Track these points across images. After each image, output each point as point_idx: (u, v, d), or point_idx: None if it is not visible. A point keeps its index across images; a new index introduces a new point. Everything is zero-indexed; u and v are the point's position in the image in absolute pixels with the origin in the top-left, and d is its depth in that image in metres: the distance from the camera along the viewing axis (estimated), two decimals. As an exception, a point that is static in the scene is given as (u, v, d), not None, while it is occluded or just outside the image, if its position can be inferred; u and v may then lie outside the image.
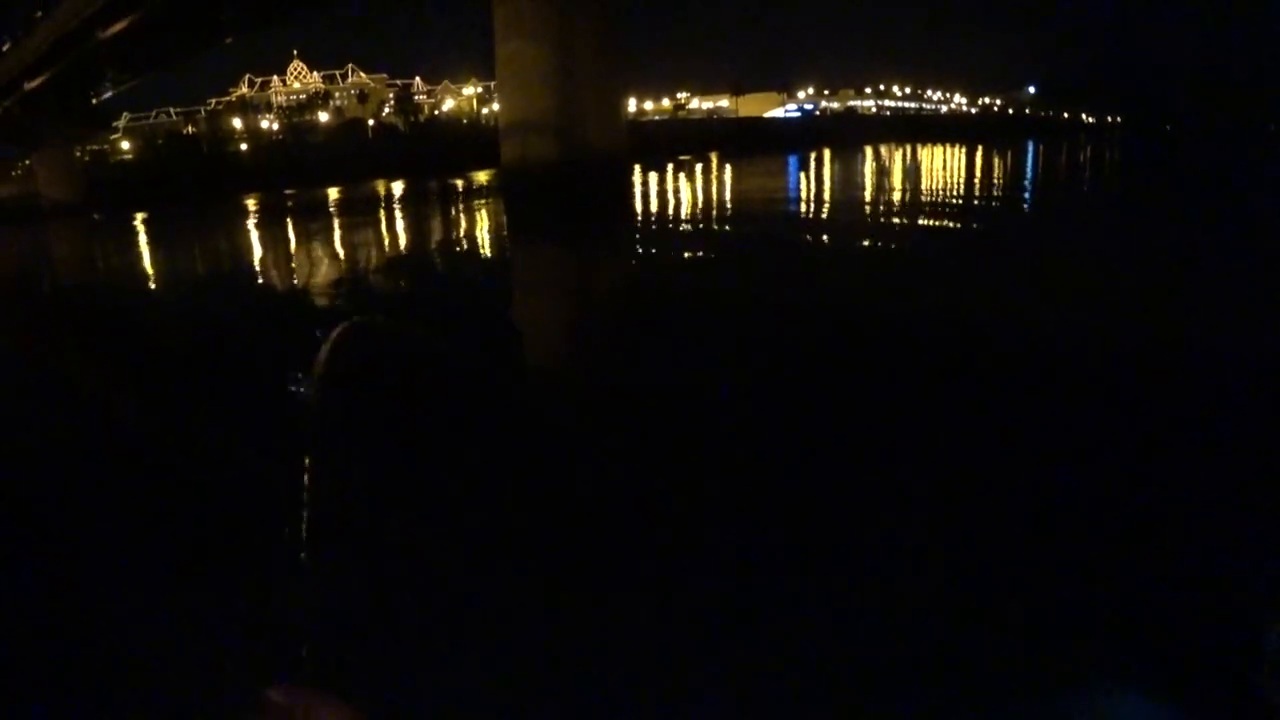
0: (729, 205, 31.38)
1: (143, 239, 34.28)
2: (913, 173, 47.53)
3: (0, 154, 63.41)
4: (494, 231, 27.98)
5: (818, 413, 7.64)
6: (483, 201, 40.21)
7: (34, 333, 15.96)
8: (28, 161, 61.81)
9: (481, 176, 55.25)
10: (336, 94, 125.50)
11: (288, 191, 50.85)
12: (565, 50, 31.63)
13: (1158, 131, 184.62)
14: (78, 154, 66.77)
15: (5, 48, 52.80)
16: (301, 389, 2.18)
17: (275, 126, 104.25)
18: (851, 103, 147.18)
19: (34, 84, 50.77)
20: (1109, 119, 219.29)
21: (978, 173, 45.78)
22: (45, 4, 46.12)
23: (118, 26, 41.27)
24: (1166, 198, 31.58)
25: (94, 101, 62.98)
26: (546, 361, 10.90)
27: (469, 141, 73.99)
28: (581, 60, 31.84)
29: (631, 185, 37.68)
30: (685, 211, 29.51)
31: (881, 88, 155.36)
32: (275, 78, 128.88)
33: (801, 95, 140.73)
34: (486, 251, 23.07)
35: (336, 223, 33.69)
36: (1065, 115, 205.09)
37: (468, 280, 18.34)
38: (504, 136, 34.25)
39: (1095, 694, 3.76)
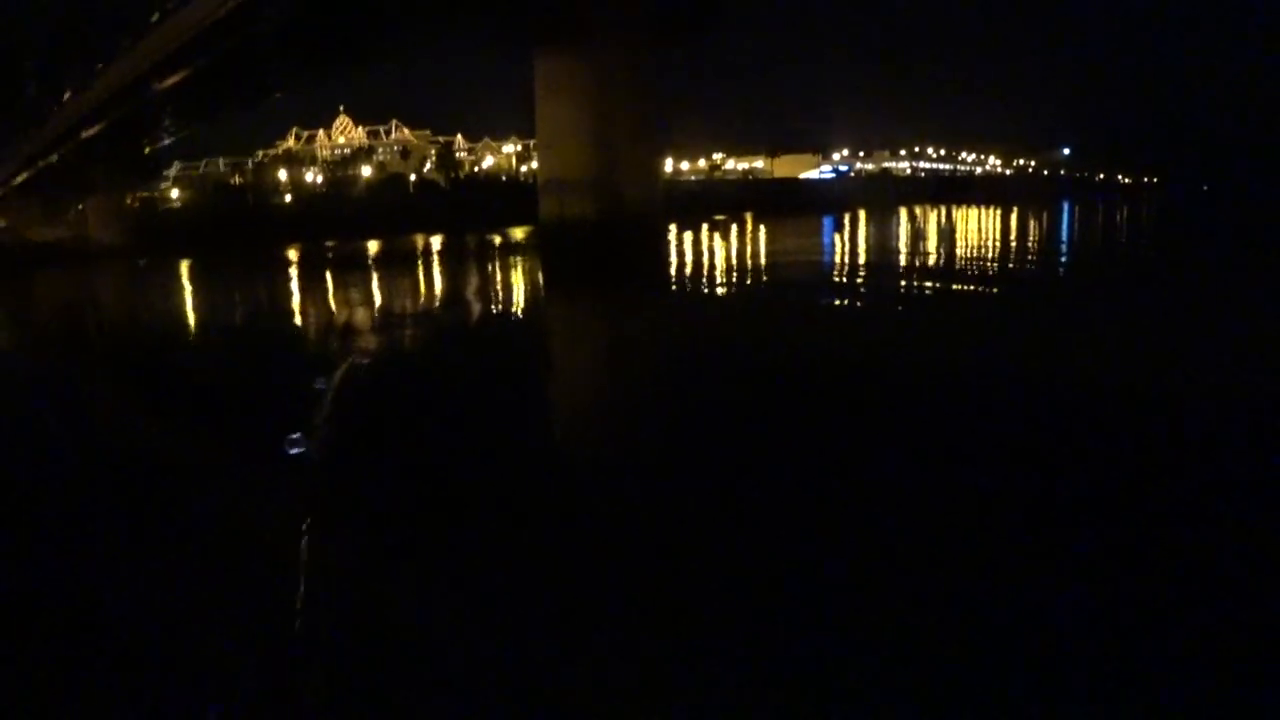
0: (761, 268, 31.57)
1: (183, 282, 35.15)
2: (946, 236, 47.55)
3: (56, 197, 65.23)
4: (529, 287, 28.38)
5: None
6: (519, 258, 40.80)
7: (61, 362, 16.57)
8: (81, 206, 63.66)
9: (518, 233, 56.04)
10: (380, 149, 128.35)
11: (328, 243, 51.84)
12: (602, 110, 32.15)
13: (1195, 191, 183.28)
14: (128, 200, 68.68)
15: (66, 97, 54.79)
16: (298, 449, 2.22)
17: (319, 179, 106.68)
18: (886, 164, 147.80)
19: (90, 132, 52.46)
20: (1145, 179, 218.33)
21: (1013, 236, 45.66)
22: (106, 56, 47.92)
23: (171, 80, 42.66)
24: (1197, 261, 31.37)
25: (146, 150, 64.94)
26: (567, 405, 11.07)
27: (507, 198, 75.15)
28: (618, 120, 32.33)
29: (667, 244, 37.97)
30: (719, 273, 29.73)
31: (916, 149, 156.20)
32: (321, 131, 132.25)
33: (836, 156, 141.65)
34: (519, 307, 23.35)
35: (375, 274, 34.33)
36: (1101, 176, 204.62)
37: (494, 335, 18.51)
38: (542, 193, 34.76)
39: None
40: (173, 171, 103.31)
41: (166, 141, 65.70)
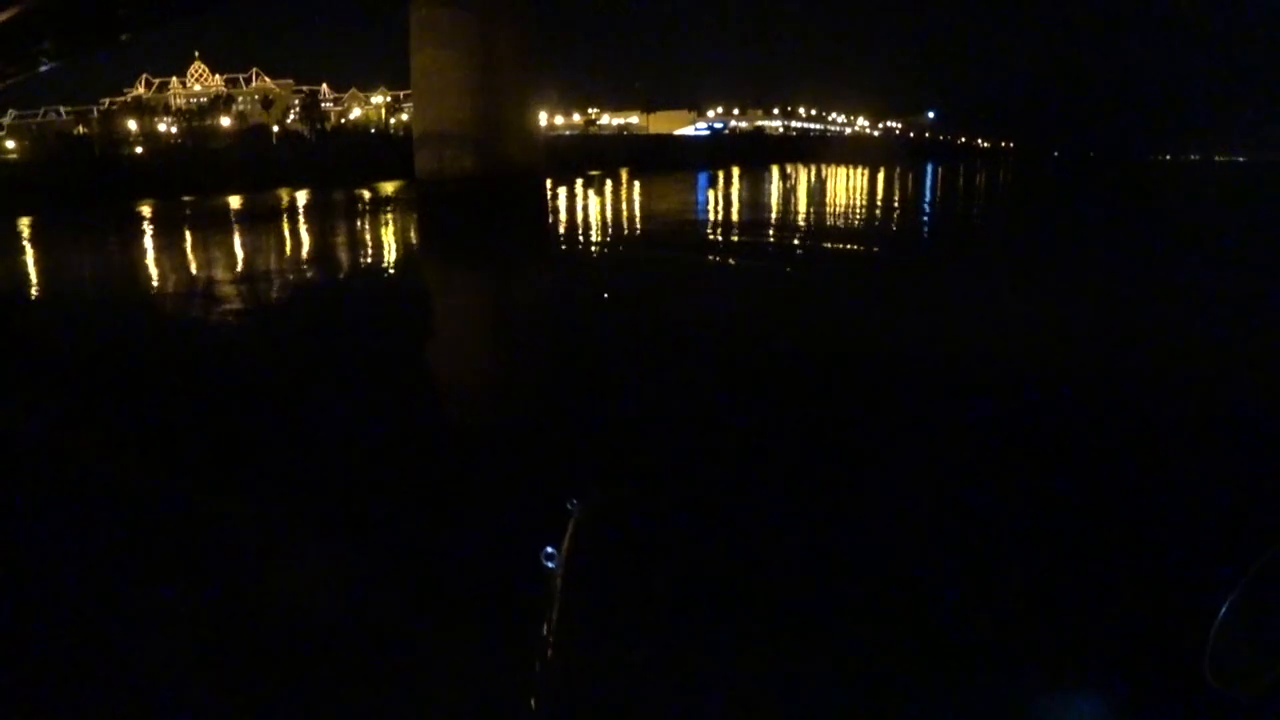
0: (638, 223, 31.77)
1: (21, 243, 32.78)
2: (817, 193, 48.85)
3: None
4: (405, 246, 27.69)
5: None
6: (392, 214, 39.66)
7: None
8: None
9: (388, 188, 54.37)
10: (239, 98, 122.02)
11: (186, 198, 49.09)
12: (485, 61, 31.13)
13: (1046, 157, 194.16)
14: (-45, 152, 63.34)
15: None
16: (551, 564, 2.19)
17: (174, 130, 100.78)
18: (760, 122, 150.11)
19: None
20: (1002, 144, 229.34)
21: (879, 194, 47.28)
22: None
23: (2, 17, 39.40)
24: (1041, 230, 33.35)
25: (-26, 97, 60.01)
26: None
27: (377, 151, 72.81)
28: (501, 72, 31.43)
29: (547, 200, 37.57)
30: (599, 231, 29.77)
31: (789, 109, 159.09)
32: (174, 79, 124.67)
33: (711, 114, 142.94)
34: (395, 269, 22.86)
35: (237, 232, 32.83)
36: (962, 139, 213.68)
37: (371, 300, 18.14)
38: (418, 147, 33.75)
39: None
40: (7, 120, 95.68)
41: (1, 87, 60.79)
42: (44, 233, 35.42)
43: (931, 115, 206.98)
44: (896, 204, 42.83)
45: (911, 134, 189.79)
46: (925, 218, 36.10)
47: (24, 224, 37.63)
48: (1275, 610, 1.46)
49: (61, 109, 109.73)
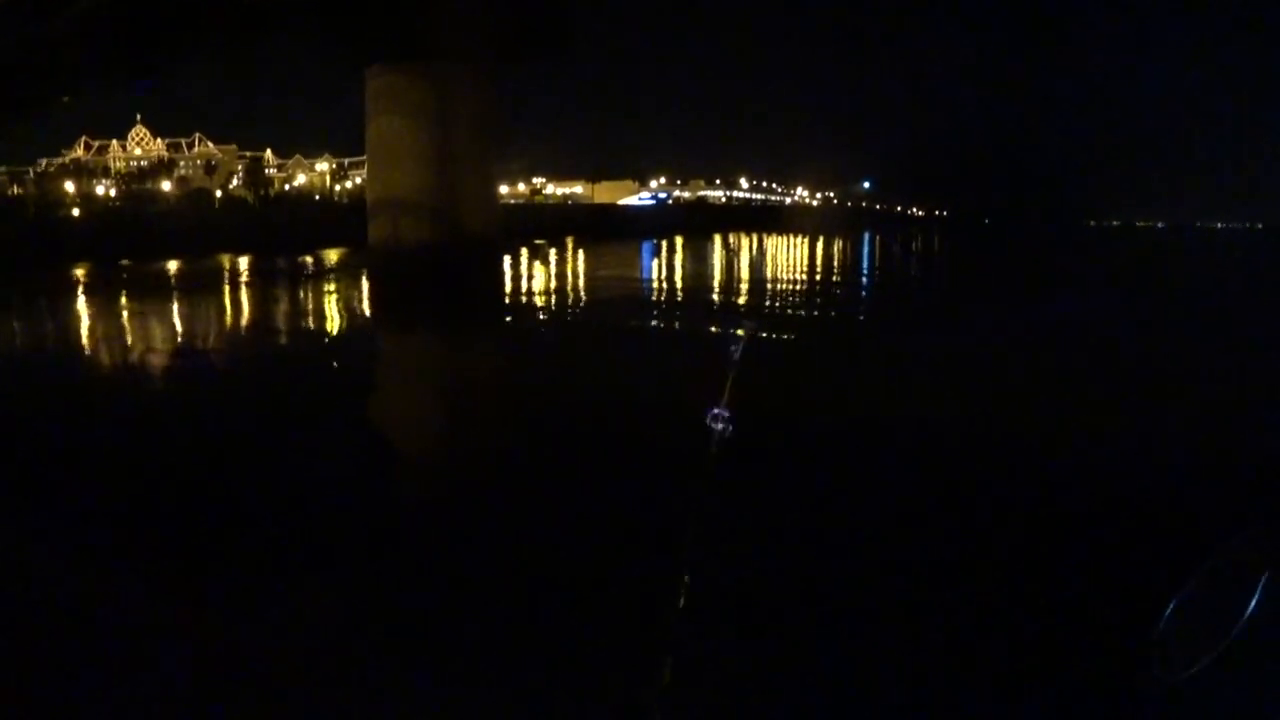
0: (582, 291, 32.21)
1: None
2: (758, 263, 50.00)
3: None
4: (355, 316, 27.52)
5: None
6: (337, 283, 39.50)
7: None
8: None
9: (333, 255, 54.32)
10: (182, 163, 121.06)
11: (123, 262, 48.40)
12: (444, 128, 30.93)
13: (978, 224, 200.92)
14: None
15: None
16: (719, 425, 2.09)
17: (113, 193, 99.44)
18: (702, 192, 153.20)
19: None
20: (936, 211, 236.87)
21: (818, 263, 48.59)
22: None
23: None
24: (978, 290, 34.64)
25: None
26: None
27: (320, 218, 72.76)
28: (460, 141, 31.18)
29: (502, 271, 37.55)
30: (556, 299, 30.12)
31: (730, 179, 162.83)
32: (115, 141, 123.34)
33: (654, 184, 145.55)
34: (345, 339, 22.75)
35: (175, 298, 32.41)
36: (898, 208, 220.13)
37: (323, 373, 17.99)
38: (372, 214, 33.25)
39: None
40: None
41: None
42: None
43: (867, 185, 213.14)
44: (823, 270, 43.96)
45: (849, 202, 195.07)
46: (855, 283, 37.18)
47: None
48: (1217, 605, 1.64)
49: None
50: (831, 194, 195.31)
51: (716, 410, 2.12)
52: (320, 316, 27.61)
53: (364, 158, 41.73)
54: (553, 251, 59.03)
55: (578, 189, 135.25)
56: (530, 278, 39.71)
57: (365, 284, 35.52)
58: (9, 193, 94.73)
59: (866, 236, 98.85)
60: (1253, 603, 1.59)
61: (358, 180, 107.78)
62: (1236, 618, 1.61)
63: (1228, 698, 1.63)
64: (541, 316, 25.94)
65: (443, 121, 31.20)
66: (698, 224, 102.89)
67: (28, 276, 40.08)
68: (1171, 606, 1.77)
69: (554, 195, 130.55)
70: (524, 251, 55.62)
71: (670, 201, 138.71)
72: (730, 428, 2.09)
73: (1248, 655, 1.57)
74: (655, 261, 51.49)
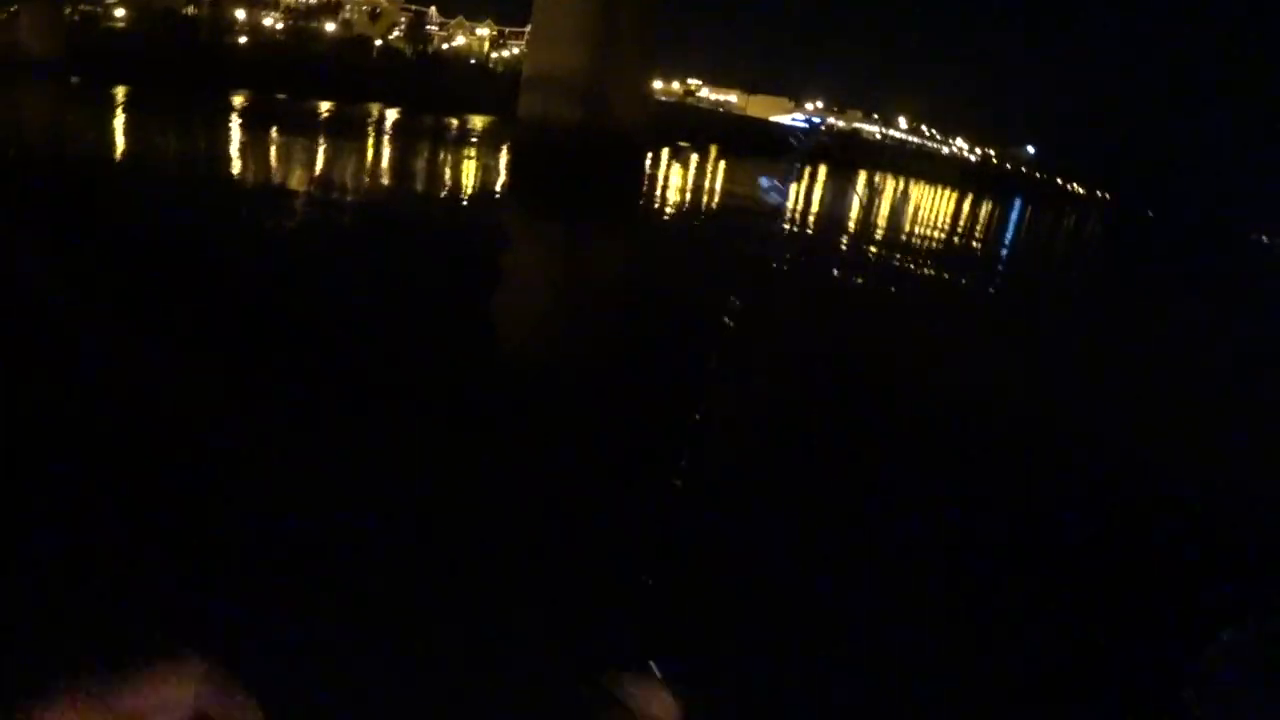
0: (702, 205, 31.30)
1: (116, 110, 33.14)
2: (899, 212, 47.72)
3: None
4: (491, 190, 27.17)
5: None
6: (479, 149, 39.41)
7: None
8: (15, 8, 59.26)
9: (478, 121, 54.41)
10: (348, 5, 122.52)
11: (279, 96, 49.52)
12: (609, 11, 30.29)
13: (1140, 217, 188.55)
14: (67, 11, 64.17)
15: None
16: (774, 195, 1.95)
17: (279, 26, 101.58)
18: (858, 124, 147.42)
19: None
20: (1098, 193, 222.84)
21: (961, 227, 46.09)
22: None
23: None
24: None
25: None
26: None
27: (473, 82, 72.76)
28: (624, 23, 30.54)
29: (642, 166, 36.47)
30: (695, 204, 29.29)
31: (888, 116, 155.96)
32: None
33: (810, 107, 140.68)
34: (473, 206, 22.59)
35: (321, 139, 32.84)
36: (1058, 180, 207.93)
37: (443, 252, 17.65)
38: (525, 88, 32.78)
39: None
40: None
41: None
42: (134, 103, 35.86)
43: (1031, 150, 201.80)
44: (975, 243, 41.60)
45: (1008, 164, 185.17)
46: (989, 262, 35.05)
47: (120, 91, 38.10)
48: (1266, 653, 1.71)
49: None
50: (991, 151, 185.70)
51: (768, 182, 1.81)
52: (445, 180, 27.46)
53: (525, 29, 41.14)
54: (694, 157, 57.73)
55: (732, 98, 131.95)
56: (665, 181, 38.75)
57: (503, 156, 35.30)
58: (184, 11, 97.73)
59: (1018, 203, 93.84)
60: None
61: (515, 50, 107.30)
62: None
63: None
64: (658, 220, 25.08)
65: (609, 8, 30.40)
66: (846, 157, 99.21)
67: (194, 94, 41.36)
68: (1216, 646, 1.83)
69: (707, 100, 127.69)
70: (665, 151, 54.55)
71: (824, 127, 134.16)
72: (782, 199, 1.76)
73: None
74: (792, 188, 49.71)
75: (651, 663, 0.91)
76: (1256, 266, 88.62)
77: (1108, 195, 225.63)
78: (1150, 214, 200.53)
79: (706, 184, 40.46)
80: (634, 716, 0.84)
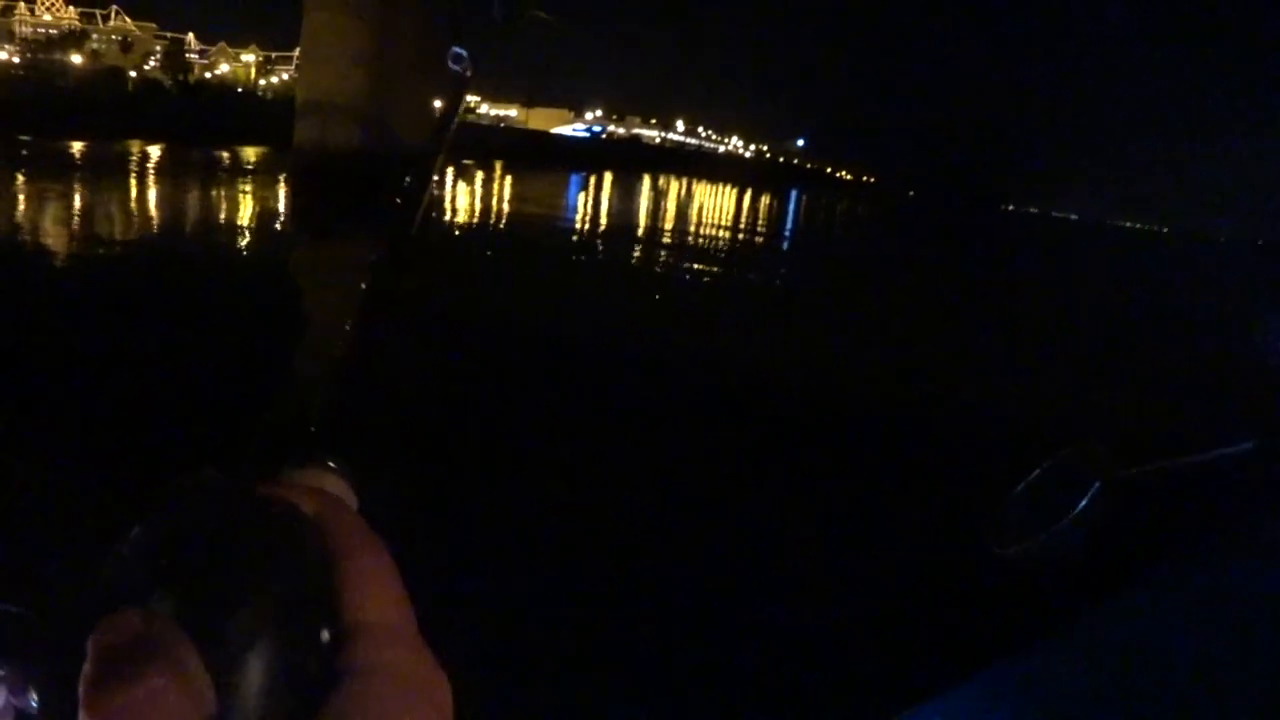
0: (505, 216, 32.23)
1: None
2: (685, 210, 50.38)
3: None
4: (266, 222, 26.82)
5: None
6: (253, 183, 38.41)
7: None
8: None
9: (250, 153, 52.72)
10: (95, 35, 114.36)
11: (22, 138, 46.06)
12: (387, 30, 30.54)
13: (901, 196, 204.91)
14: None
15: None
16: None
17: (16, 60, 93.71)
18: (637, 130, 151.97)
19: None
20: (863, 178, 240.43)
21: (744, 216, 49.23)
22: None
23: None
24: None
25: None
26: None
27: (243, 113, 70.10)
28: (402, 45, 30.83)
29: (430, 183, 36.76)
30: (478, 219, 30.01)
31: (666, 121, 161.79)
32: (21, 3, 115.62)
33: (590, 116, 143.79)
34: (257, 241, 22.39)
35: (76, 183, 31.14)
36: (828, 169, 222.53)
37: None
38: (300, 115, 31.88)
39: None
40: None
41: None
42: None
43: (801, 143, 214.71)
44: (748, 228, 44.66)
45: (781, 158, 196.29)
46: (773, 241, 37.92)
47: None
48: (1052, 500, 1.89)
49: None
50: (765, 147, 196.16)
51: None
52: (223, 212, 26.99)
53: (292, 52, 40.38)
54: (479, 174, 58.31)
55: (512, 112, 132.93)
56: (452, 197, 39.34)
57: (280, 187, 34.71)
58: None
59: (794, 195, 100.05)
60: (1082, 503, 1.84)
61: (284, 76, 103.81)
62: (1066, 512, 1.85)
63: (1046, 574, 1.92)
64: (452, 232, 25.86)
65: (386, 22, 30.80)
66: (628, 163, 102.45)
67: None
68: (1012, 494, 2.00)
69: (487, 116, 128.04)
70: (450, 171, 54.76)
71: (604, 136, 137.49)
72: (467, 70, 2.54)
73: (1068, 544, 1.82)
74: (581, 196, 51.41)
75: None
76: (993, 230, 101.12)
77: (872, 179, 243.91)
78: (910, 194, 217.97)
79: (494, 203, 41.34)
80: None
